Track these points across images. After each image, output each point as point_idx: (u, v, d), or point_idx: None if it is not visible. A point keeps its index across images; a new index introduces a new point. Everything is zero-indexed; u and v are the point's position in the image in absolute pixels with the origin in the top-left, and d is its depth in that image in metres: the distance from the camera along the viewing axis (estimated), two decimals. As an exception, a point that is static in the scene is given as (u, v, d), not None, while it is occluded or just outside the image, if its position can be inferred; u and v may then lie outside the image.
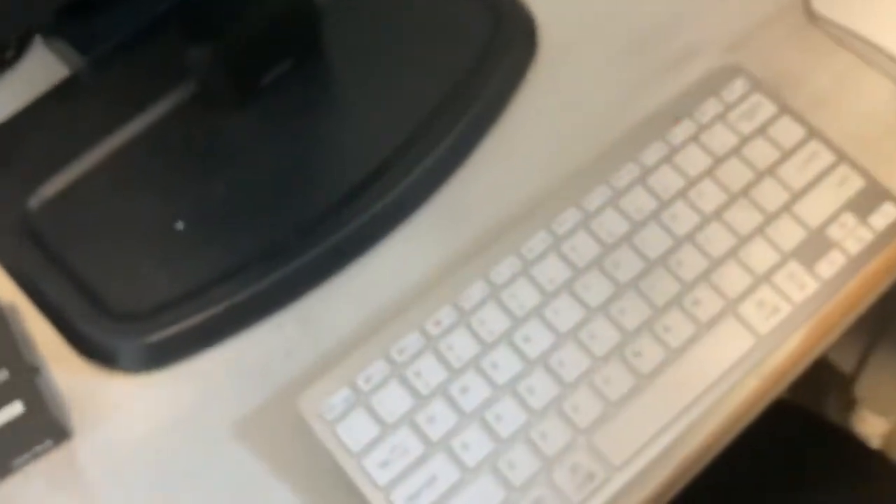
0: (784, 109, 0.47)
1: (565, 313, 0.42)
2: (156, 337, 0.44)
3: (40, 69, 0.53)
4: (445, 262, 0.45)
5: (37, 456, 0.42)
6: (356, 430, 0.40)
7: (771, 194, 0.45)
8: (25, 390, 0.41)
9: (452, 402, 0.40)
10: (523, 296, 0.43)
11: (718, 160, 0.46)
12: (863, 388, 0.91)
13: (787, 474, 0.61)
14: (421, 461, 0.39)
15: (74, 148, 0.48)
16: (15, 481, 0.42)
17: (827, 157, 0.46)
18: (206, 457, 0.42)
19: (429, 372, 0.41)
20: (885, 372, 0.88)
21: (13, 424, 0.41)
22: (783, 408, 0.53)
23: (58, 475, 0.42)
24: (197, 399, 0.43)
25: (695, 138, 0.46)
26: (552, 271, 0.43)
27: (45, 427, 0.41)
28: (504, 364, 0.41)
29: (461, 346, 0.42)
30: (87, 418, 0.43)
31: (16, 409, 0.41)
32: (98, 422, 0.43)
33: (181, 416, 0.43)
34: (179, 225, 0.46)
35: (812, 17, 0.50)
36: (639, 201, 0.45)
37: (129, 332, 0.44)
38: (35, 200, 0.47)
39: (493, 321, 0.42)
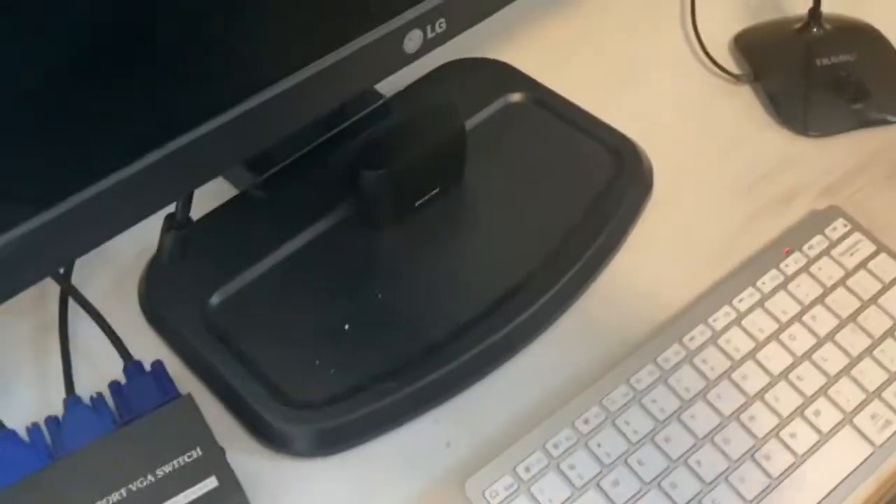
0: (881, 247, 0.54)
1: (701, 418, 0.47)
2: (329, 425, 0.48)
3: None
4: (583, 367, 0.51)
5: (223, 529, 0.46)
6: (520, 515, 0.44)
7: (876, 321, 0.51)
8: (218, 467, 0.46)
9: (605, 494, 0.45)
10: (662, 401, 0.48)
11: (828, 289, 0.52)
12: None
13: None
14: (580, 546, 0.44)
15: (249, 254, 0.54)
16: (202, 552, 0.46)
17: (922, 291, 0.52)
18: (376, 536, 0.46)
19: (582, 465, 0.46)
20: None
21: (206, 498, 0.45)
22: None
23: (241, 548, 0.46)
24: (366, 482, 0.48)
25: (806, 269, 0.53)
26: (688, 381, 0.49)
27: (233, 502, 0.45)
28: (649, 461, 0.46)
29: (609, 443, 0.46)
30: (262, 497, 0.47)
31: (211, 483, 0.45)
32: (275, 501, 0.47)
33: (352, 498, 0.47)
34: (346, 326, 0.52)
35: (904, 168, 0.58)
36: (760, 323, 0.51)
37: (305, 419, 0.49)
38: (216, 298, 0.53)
39: (637, 422, 0.47)
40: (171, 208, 0.48)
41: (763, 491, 0.45)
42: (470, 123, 0.60)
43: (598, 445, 0.46)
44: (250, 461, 0.48)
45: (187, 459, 0.46)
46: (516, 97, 0.62)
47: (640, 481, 0.45)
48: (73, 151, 0.37)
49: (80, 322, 0.54)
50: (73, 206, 0.38)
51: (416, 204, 0.56)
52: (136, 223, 0.42)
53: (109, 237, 0.40)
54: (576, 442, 0.46)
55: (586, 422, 0.47)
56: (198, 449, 0.46)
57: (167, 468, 0.46)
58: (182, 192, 0.45)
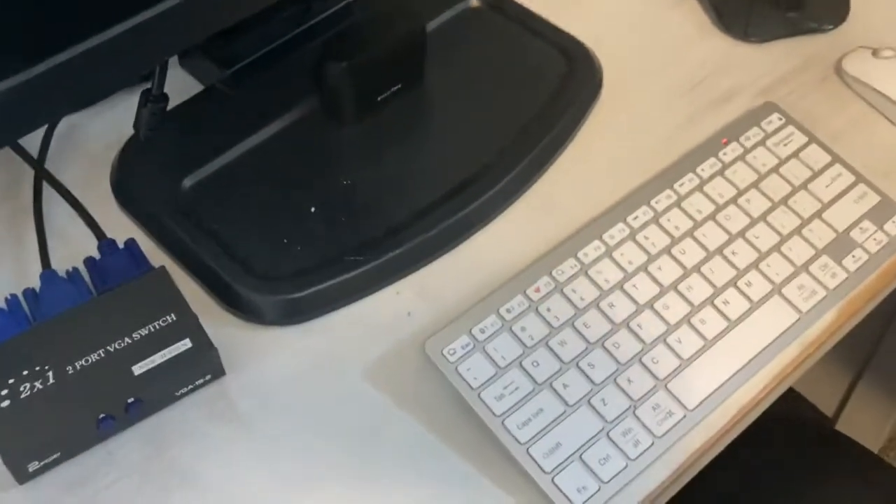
0: (812, 139, 0.58)
1: (642, 288, 0.51)
2: (296, 295, 0.51)
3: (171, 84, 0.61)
4: (535, 245, 0.54)
5: (196, 389, 0.49)
6: (475, 370, 0.48)
7: (805, 203, 0.55)
8: (192, 330, 0.49)
9: (553, 352, 0.49)
10: (607, 272, 0.52)
11: (762, 175, 0.56)
12: (843, 427, 1.00)
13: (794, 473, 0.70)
14: (529, 396, 0.47)
15: (219, 143, 0.57)
16: (177, 409, 0.49)
17: (848, 178, 0.56)
18: (340, 392, 0.49)
19: (532, 327, 0.49)
20: (866, 411, 0.98)
21: (181, 358, 0.48)
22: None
23: (214, 406, 0.49)
24: (331, 347, 0.51)
25: (742, 158, 0.56)
26: (631, 255, 0.52)
27: (208, 362, 0.49)
28: (594, 325, 0.50)
29: (558, 308, 0.50)
30: (235, 361, 0.50)
31: (185, 344, 0.48)
32: (246, 364, 0.50)
33: (318, 361, 0.50)
34: (313, 209, 0.55)
35: (840, 71, 0.62)
36: (699, 205, 0.54)
37: (274, 290, 0.52)
38: (187, 182, 0.55)
39: (583, 291, 0.51)
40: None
41: (697, 352, 0.49)
42: (431, 26, 0.63)
43: (548, 310, 0.50)
44: (223, 330, 0.51)
45: (162, 324, 0.49)
46: (475, 2, 0.65)
47: (586, 341, 0.49)
48: (55, 13, 0.40)
49: (53, 207, 0.56)
50: (55, 64, 0.40)
51: (379, 98, 0.59)
52: (110, 88, 0.44)
53: (87, 101, 0.43)
54: (527, 307, 0.50)
55: (537, 290, 0.51)
56: (172, 315, 0.49)
57: (143, 331, 0.48)
58: (155, 60, 0.47)
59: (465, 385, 0.48)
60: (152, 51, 0.44)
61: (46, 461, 0.46)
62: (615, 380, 0.48)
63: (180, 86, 0.61)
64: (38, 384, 0.46)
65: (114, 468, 0.47)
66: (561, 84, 0.61)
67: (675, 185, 0.55)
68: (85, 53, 0.41)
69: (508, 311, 0.50)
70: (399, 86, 0.60)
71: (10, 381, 0.46)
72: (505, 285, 0.51)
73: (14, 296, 0.51)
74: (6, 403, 0.46)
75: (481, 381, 0.48)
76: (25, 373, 0.47)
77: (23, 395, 0.46)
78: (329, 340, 0.51)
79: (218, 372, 0.50)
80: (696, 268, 0.52)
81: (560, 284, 0.51)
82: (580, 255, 0.52)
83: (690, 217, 0.54)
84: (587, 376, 0.48)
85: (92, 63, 0.41)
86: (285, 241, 0.54)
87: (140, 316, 0.49)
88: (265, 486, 0.46)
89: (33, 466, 0.46)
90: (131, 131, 0.57)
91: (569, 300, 0.51)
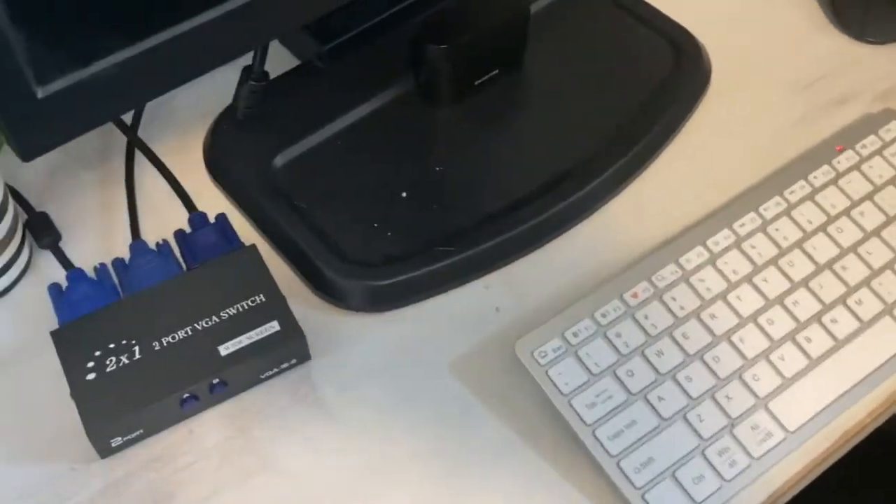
0: (934, 151, 0.54)
1: (746, 300, 0.49)
2: (385, 283, 0.50)
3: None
4: (632, 247, 0.52)
5: (281, 372, 0.48)
6: (566, 375, 0.46)
7: (924, 220, 0.52)
8: (281, 312, 0.48)
9: (649, 362, 0.47)
10: (710, 281, 0.49)
11: (878, 187, 0.53)
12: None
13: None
14: (622, 407, 0.45)
15: (312, 120, 0.56)
16: (260, 391, 0.48)
17: (971, 195, 0.53)
18: (425, 385, 0.48)
19: (628, 334, 0.48)
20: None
21: (269, 341, 0.47)
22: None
23: (298, 390, 0.48)
24: (417, 338, 0.50)
25: (857, 167, 0.53)
26: (735, 264, 0.50)
27: (294, 346, 0.48)
28: (693, 336, 0.48)
29: (656, 316, 0.48)
30: (319, 346, 0.49)
31: (273, 327, 0.47)
32: (330, 349, 0.49)
33: (403, 351, 0.49)
34: (404, 194, 0.53)
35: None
36: (810, 214, 0.52)
37: (362, 276, 0.50)
38: (279, 160, 0.54)
39: (683, 299, 0.49)
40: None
41: (801, 371, 0.47)
42: (534, 7, 0.60)
43: (645, 317, 0.48)
44: (308, 313, 0.50)
45: (251, 304, 0.48)
46: (580, -14, 0.63)
47: (684, 353, 0.47)
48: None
49: (144, 176, 0.56)
50: (163, 40, 0.39)
51: (476, 83, 0.57)
52: (215, 67, 0.43)
53: (194, 75, 0.42)
54: (623, 313, 0.48)
55: (635, 295, 0.49)
56: (261, 295, 0.48)
57: (231, 311, 0.48)
58: (258, 41, 0.46)
59: (555, 390, 0.46)
60: (262, 28, 0.43)
61: (129, 437, 0.46)
62: (713, 395, 0.46)
63: (274, 59, 0.60)
64: (123, 358, 0.46)
65: (194, 448, 0.46)
66: (667, 76, 0.59)
67: (786, 192, 0.52)
68: (194, 30, 0.40)
69: (604, 315, 0.48)
70: (497, 71, 0.58)
71: (97, 353, 0.46)
72: (600, 288, 0.49)
73: (103, 265, 0.51)
74: (92, 376, 0.45)
75: (572, 388, 0.46)
76: (112, 346, 0.46)
77: (108, 369, 0.45)
78: (415, 331, 0.50)
79: (304, 356, 0.49)
80: (804, 282, 0.50)
81: (659, 291, 0.49)
82: (682, 260, 0.50)
83: (800, 227, 0.51)
84: (684, 390, 0.46)
85: (198, 41, 0.40)
86: (375, 225, 0.52)
87: (229, 294, 0.48)
88: (346, 473, 0.46)
89: (116, 442, 0.45)
90: (225, 103, 0.56)
91: (668, 308, 0.48)
